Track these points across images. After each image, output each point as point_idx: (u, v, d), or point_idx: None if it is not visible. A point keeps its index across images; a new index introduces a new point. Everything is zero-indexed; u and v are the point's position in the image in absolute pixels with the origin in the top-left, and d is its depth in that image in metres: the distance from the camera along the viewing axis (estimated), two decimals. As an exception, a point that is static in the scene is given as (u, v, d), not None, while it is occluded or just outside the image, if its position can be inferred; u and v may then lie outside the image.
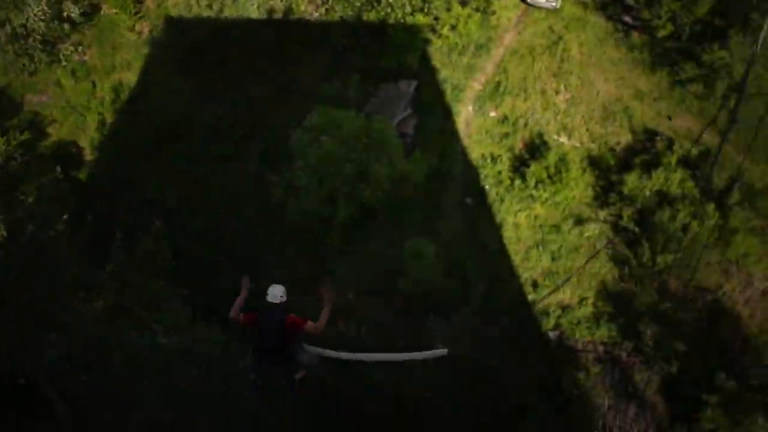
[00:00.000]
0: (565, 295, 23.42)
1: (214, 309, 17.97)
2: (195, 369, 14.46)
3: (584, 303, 23.14)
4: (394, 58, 26.81)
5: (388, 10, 26.27)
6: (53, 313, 13.10)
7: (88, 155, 27.02)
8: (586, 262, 23.80)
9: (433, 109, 26.94)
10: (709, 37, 26.10)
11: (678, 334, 22.30)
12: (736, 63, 25.26)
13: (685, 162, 24.28)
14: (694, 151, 24.58)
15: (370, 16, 26.78)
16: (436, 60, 28.21)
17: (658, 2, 26.06)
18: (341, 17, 27.59)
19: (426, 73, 27.81)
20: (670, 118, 26.32)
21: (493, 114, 26.71)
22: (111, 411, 13.03)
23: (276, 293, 8.52)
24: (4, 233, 12.72)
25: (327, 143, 22.38)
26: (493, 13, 28.69)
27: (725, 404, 18.89)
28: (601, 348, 22.70)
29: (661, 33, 26.48)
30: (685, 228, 22.71)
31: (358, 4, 26.45)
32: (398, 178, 23.14)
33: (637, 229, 23.59)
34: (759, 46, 22.72)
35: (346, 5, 26.69)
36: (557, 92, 26.78)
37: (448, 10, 27.50)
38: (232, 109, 27.28)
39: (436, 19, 27.56)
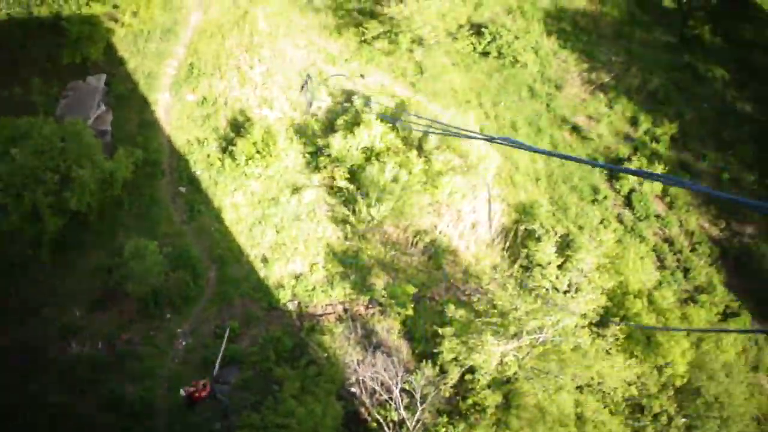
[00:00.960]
0: (296, 265, 32.48)
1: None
2: None
3: (315, 268, 32.33)
4: (76, 53, 33.95)
5: (61, 2, 33.22)
6: None
7: None
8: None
9: (129, 101, 34.81)
10: (385, -6, 37.74)
11: (407, 278, 32.60)
12: (415, 16, 36.90)
13: (384, 114, 34.90)
14: (390, 105, 35.53)
15: (42, 11, 33.47)
16: (123, 50, 36.14)
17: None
18: (8, 15, 33.71)
19: (114, 65, 35.70)
20: (362, 77, 37.54)
21: (191, 97, 35.35)
22: None
23: None
24: None
25: (18, 155, 28.41)
26: (175, -7, 37.18)
27: (459, 333, 27.17)
28: (340, 308, 31.91)
29: (341, -5, 37.46)
30: (395, 178, 33.17)
31: (26, 0, 32.64)
32: (104, 179, 30.22)
33: (351, 187, 33.57)
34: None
35: (11, 2, 32.82)
36: (252, 66, 36.45)
37: (126, -5, 35.26)
38: None
39: (116, 6, 35.35)
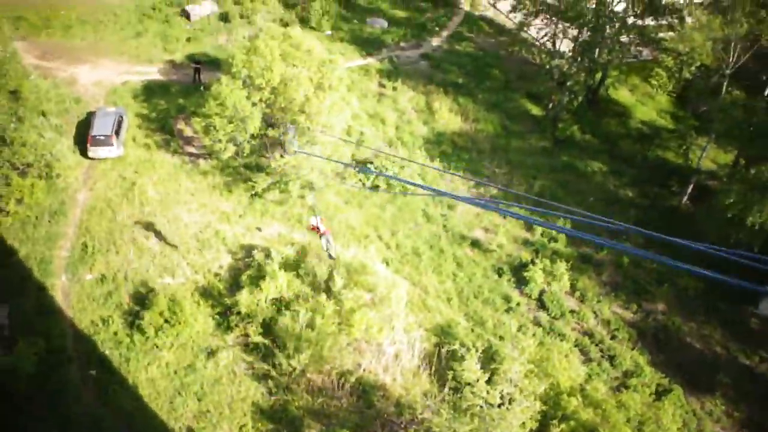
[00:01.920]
0: (224, 431, 31.65)
1: None
2: None
3: (244, 429, 31.55)
4: (-41, 251, 33.19)
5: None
6: None
7: None
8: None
9: (24, 290, 34.07)
10: (268, 147, 38.99)
11: (339, 422, 32.24)
12: (301, 163, 38.15)
13: (286, 265, 35.35)
14: (291, 253, 36.09)
15: None
16: (11, 238, 35.80)
17: (213, 128, 37.91)
18: None
19: (5, 256, 35.18)
20: (259, 229, 38.15)
21: (89, 277, 34.92)
22: None
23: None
24: None
25: None
26: (58, 176, 37.60)
27: None
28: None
29: (226, 155, 38.54)
30: (309, 324, 33.32)
31: None
32: (4, 377, 29.10)
33: (266, 341, 33.60)
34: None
35: None
36: (147, 237, 36.56)
37: (8, 184, 35.37)
38: None
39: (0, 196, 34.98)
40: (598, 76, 56.01)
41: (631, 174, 49.40)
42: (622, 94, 58.49)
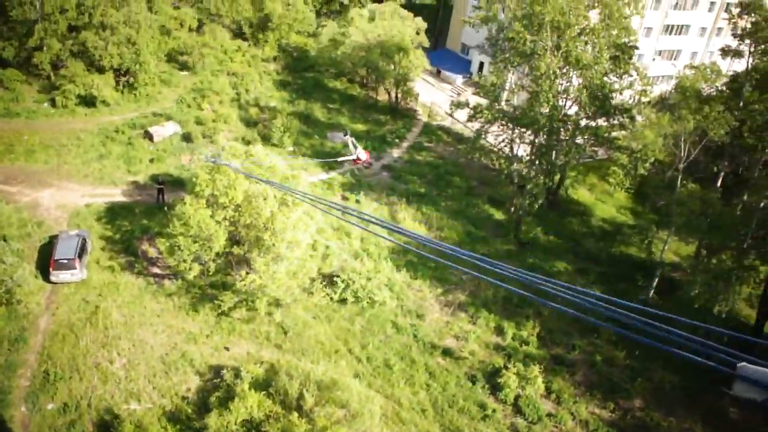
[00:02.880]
0: None
1: None
2: None
3: None
4: None
5: None
6: None
7: None
8: None
9: (-19, 428, 32.60)
10: (233, 265, 38.78)
11: None
12: (267, 281, 37.86)
13: (255, 384, 34.53)
14: (260, 371, 35.38)
15: None
16: (-32, 369, 34.44)
17: (178, 248, 37.72)
18: None
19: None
20: (227, 349, 37.52)
21: (51, 406, 33.74)
22: None
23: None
24: None
25: None
26: (19, 302, 36.88)
27: None
28: None
29: (191, 274, 38.21)
30: (283, 443, 32.44)
31: None
32: None
33: (237, 465, 32.41)
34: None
35: None
36: (111, 361, 35.64)
37: (-35, 313, 34.44)
38: None
39: (-45, 331, 34.16)
40: (557, 177, 57.36)
41: (596, 271, 49.90)
42: (581, 194, 59.78)
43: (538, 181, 52.11)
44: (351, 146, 32.94)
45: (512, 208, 54.34)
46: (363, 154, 32.73)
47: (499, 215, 54.70)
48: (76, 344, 36.44)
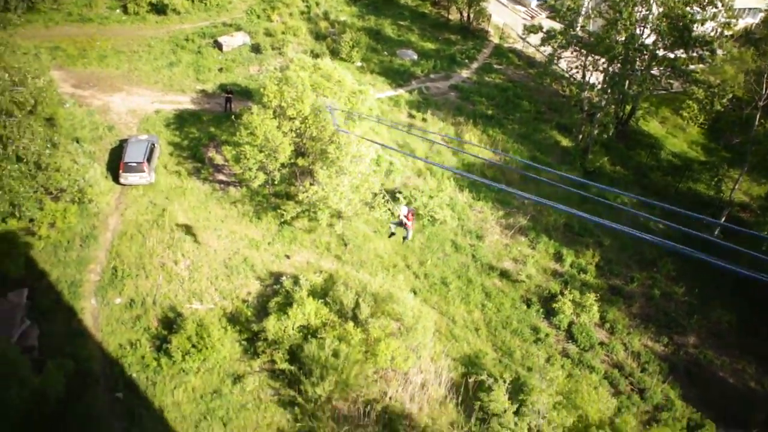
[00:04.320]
0: (248, 456, 31.86)
1: None
2: None
3: (269, 456, 31.86)
4: (-8, 272, 34.03)
5: (-25, 223, 33.58)
6: None
7: None
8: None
9: (54, 312, 34.67)
10: (298, 176, 39.53)
11: (363, 452, 32.23)
12: (330, 193, 38.57)
13: (313, 292, 35.60)
14: (319, 280, 36.40)
15: (-45, 236, 33.79)
16: (43, 261, 36.43)
17: (244, 156, 38.60)
18: None
19: (36, 278, 35.80)
20: (288, 257, 38.50)
21: (118, 301, 35.42)
22: None
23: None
24: None
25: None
26: (90, 201, 38.29)
27: None
28: (298, 492, 31.47)
29: (256, 183, 39.14)
30: (335, 352, 33.47)
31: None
32: (34, 398, 29.52)
33: (293, 368, 33.72)
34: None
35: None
36: (176, 262, 37.05)
37: (41, 208, 36.13)
38: None
39: (32, 220, 36.22)
40: (628, 108, 56.23)
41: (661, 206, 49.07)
42: (652, 126, 58.61)
43: (609, 111, 51.26)
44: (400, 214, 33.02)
45: (580, 137, 53.69)
46: (404, 210, 32.79)
47: (566, 142, 54.10)
48: (143, 244, 37.93)
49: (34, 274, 36.35)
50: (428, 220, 43.29)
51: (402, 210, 31.53)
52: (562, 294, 40.57)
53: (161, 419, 31.92)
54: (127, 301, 35.64)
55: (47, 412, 30.13)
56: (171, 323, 34.41)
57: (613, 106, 51.58)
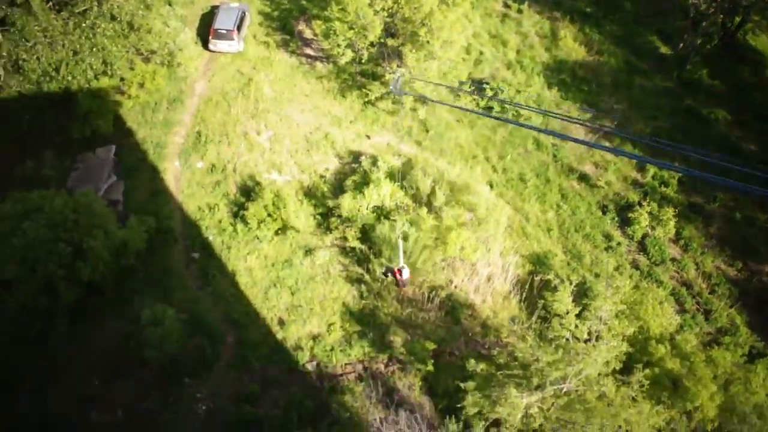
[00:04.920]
0: (313, 325, 33.00)
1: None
2: None
3: (332, 328, 32.87)
4: (85, 126, 35.54)
5: (69, 78, 34.70)
6: None
7: None
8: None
9: (139, 170, 35.97)
10: (386, 57, 39.14)
11: (425, 334, 32.96)
12: (417, 77, 38.28)
13: (391, 175, 35.84)
14: (397, 163, 36.54)
15: (52, 87, 35.07)
16: (131, 121, 37.57)
17: (334, 32, 38.33)
18: (19, 92, 35.37)
19: (123, 137, 37.09)
20: (368, 137, 38.68)
21: (200, 165, 36.40)
22: None
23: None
24: None
25: (30, 229, 29.42)
26: (179, 65, 38.88)
27: (481, 386, 27.35)
28: (359, 366, 32.39)
29: (343, 60, 38.99)
30: (405, 236, 33.91)
31: (35, 76, 34.17)
32: (117, 248, 31.03)
33: (363, 247, 34.42)
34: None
35: (21, 79, 34.24)
36: (259, 132, 37.66)
37: (132, 69, 36.90)
38: None
39: (122, 79, 37.15)
40: (738, 19, 53.13)
41: (759, 128, 47.08)
42: (761, 42, 55.42)
43: (716, 20, 48.58)
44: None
45: (680, 45, 51.22)
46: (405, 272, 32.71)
47: (664, 50, 51.72)
48: (227, 111, 38.53)
49: (121, 132, 37.58)
50: (512, 115, 42.60)
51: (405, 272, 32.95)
52: (639, 205, 39.83)
53: (233, 282, 33.30)
54: (209, 166, 36.58)
55: (128, 264, 31.62)
56: (249, 191, 35.29)
57: (721, 16, 48.77)
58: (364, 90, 39.79)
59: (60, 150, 35.89)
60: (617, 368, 26.51)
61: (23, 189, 31.30)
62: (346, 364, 32.14)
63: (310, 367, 31.84)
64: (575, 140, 33.33)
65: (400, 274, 32.79)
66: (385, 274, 33.68)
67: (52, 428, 28.51)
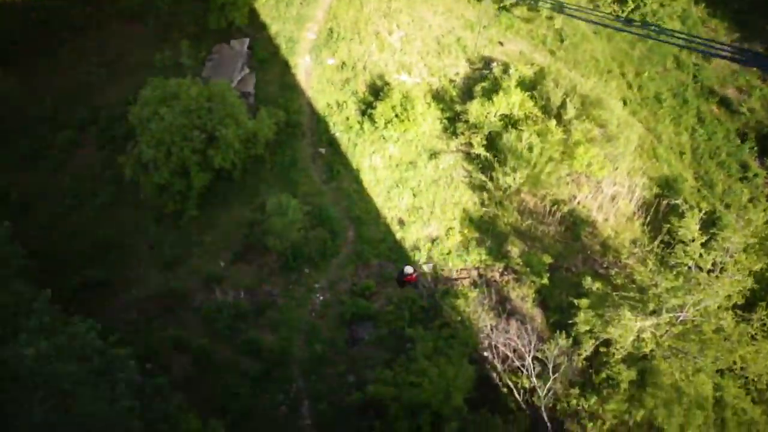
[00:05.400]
0: (432, 228, 33.23)
1: (85, 300, 25.95)
2: (75, 365, 17.97)
3: (451, 233, 33.05)
4: (221, 18, 36.18)
5: (208, -31, 35.11)
6: None
7: None
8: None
9: (271, 64, 36.46)
10: (526, -39, 37.92)
11: (543, 248, 32.74)
12: (555, -16, 36.94)
13: (521, 84, 35.05)
14: (529, 73, 35.70)
15: (191, -24, 35.56)
16: (265, 15, 37.93)
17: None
18: (160, -18, 36.21)
19: (257, 30, 37.58)
20: (501, 44, 37.84)
21: (331, 61, 36.58)
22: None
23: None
24: None
25: (168, 115, 30.60)
26: (314, -41, 38.56)
27: (595, 305, 27.15)
28: (474, 273, 32.60)
29: (480, -38, 37.92)
30: (531, 147, 33.34)
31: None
32: (247, 138, 31.89)
33: (488, 154, 34.07)
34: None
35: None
36: (390, 32, 37.34)
37: (268, -39, 36.98)
38: (63, 95, 36.01)
39: (259, -27, 37.02)
40: None
41: None
42: None
43: None
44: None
45: None
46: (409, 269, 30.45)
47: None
48: (360, 10, 38.29)
49: (256, 25, 38.00)
50: (653, 30, 40.56)
51: (407, 269, 30.60)
52: (783, 137, 37.65)
53: (357, 179, 33.78)
54: (339, 63, 36.70)
55: (257, 154, 32.49)
56: (377, 90, 35.30)
57: None
58: (500, -6, 38.63)
59: (196, 40, 36.86)
60: (739, 303, 25.66)
61: (161, 76, 32.34)
62: (461, 269, 32.39)
63: (426, 268, 32.15)
64: (725, 57, 31.28)
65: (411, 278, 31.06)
66: (399, 281, 31.65)
67: (178, 306, 30.16)
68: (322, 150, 34.57)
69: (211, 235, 31.87)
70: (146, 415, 20.44)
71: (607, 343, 26.67)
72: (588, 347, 27.05)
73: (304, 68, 36.71)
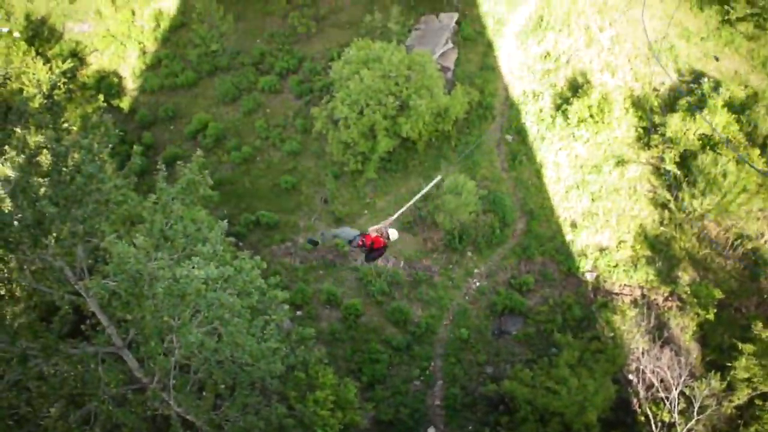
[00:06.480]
0: (604, 237, 32.53)
1: (254, 239, 27.46)
2: (236, 297, 18.39)
3: (622, 246, 32.15)
4: (436, -12, 36.32)
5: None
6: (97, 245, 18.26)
7: (130, 84, 36.71)
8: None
9: (474, 43, 36.64)
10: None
11: (716, 281, 31.13)
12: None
13: (730, 105, 33.04)
14: (741, 95, 33.59)
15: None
16: (477, -6, 37.82)
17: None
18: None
19: (467, 6, 37.80)
20: (717, 59, 35.82)
21: (535, 50, 36.22)
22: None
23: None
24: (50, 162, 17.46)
25: (367, 76, 31.60)
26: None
27: (761, 354, 25.56)
28: (638, 292, 31.59)
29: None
30: (726, 174, 31.45)
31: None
32: (438, 113, 32.34)
33: (678, 173, 32.49)
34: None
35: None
36: (601, 29, 36.36)
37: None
38: (273, 41, 38.21)
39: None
40: None
41: None
42: None
43: None
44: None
45: None
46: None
47: None
48: (574, 1, 37.40)
49: (466, 1, 38.38)
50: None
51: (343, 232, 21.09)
52: None
53: (538, 173, 33.90)
54: (543, 53, 36.28)
55: (444, 129, 33.19)
56: (576, 87, 34.64)
57: None
58: (726, 6, 36.29)
59: (407, 8, 37.70)
60: None
61: (368, 38, 33.54)
62: (624, 285, 31.57)
63: (588, 276, 31.76)
64: None
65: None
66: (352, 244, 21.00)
67: (340, 260, 31.69)
68: (509, 137, 34.54)
69: (384, 201, 32.95)
70: (288, 360, 21.90)
71: (764, 396, 25.40)
72: (743, 396, 25.79)
73: (507, 52, 36.63)
